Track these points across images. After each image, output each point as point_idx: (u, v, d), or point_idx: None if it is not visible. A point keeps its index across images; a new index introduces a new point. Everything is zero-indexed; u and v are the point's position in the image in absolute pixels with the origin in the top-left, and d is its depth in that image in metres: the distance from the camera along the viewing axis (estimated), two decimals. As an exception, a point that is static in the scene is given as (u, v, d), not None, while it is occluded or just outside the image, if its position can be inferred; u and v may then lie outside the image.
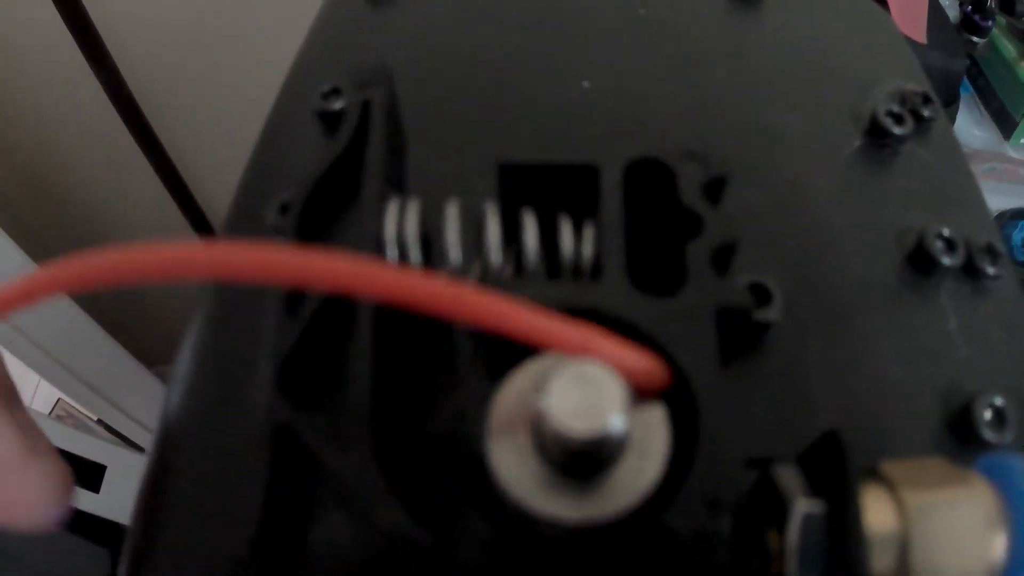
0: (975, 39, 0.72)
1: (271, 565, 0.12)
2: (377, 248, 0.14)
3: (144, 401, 0.89)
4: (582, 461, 0.11)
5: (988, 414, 0.18)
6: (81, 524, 0.77)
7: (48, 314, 0.74)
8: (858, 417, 0.17)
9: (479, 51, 0.25)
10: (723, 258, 0.13)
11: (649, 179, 0.15)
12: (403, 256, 0.14)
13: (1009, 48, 0.79)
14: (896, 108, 0.23)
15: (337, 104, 0.22)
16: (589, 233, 0.14)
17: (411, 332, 0.14)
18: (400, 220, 0.14)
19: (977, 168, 0.77)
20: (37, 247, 0.73)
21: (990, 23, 0.72)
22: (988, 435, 0.18)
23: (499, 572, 0.12)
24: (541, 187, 0.15)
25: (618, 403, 0.10)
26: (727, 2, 0.27)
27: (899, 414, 0.18)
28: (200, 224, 0.89)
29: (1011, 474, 0.13)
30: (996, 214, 0.70)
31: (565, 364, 0.10)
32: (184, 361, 0.19)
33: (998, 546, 0.13)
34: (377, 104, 0.17)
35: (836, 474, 0.11)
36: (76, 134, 0.81)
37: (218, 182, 0.88)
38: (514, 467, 0.11)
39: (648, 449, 0.11)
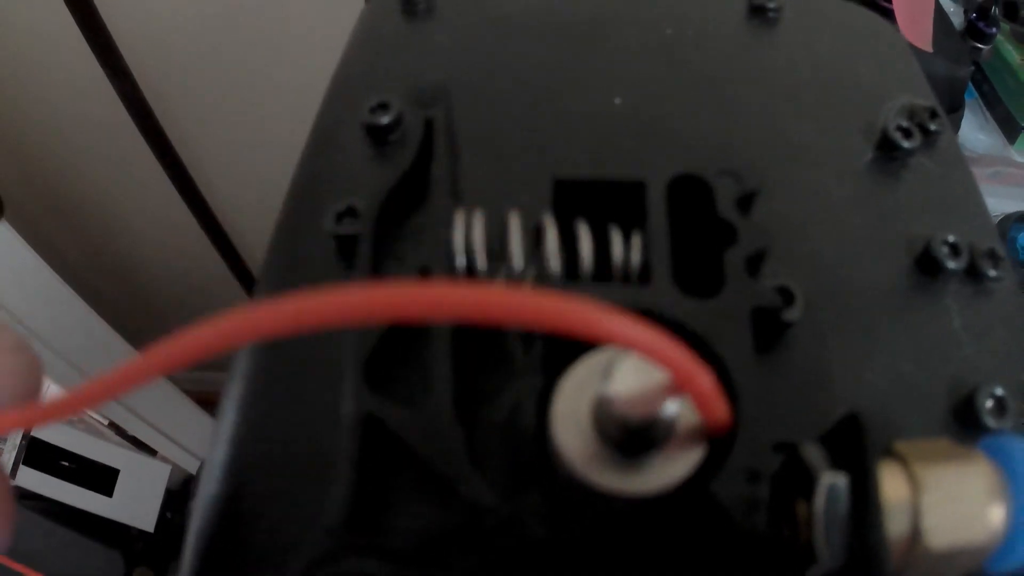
0: (979, 46, 0.73)
1: (361, 536, 0.14)
2: (446, 254, 0.16)
3: (158, 406, 0.90)
4: (639, 440, 0.13)
5: (989, 403, 0.20)
6: (94, 527, 0.79)
7: (64, 319, 0.76)
8: (872, 406, 0.19)
9: (514, 67, 0.27)
10: (755, 263, 0.15)
11: (689, 193, 0.16)
12: (470, 262, 0.16)
13: (1013, 54, 0.80)
14: (905, 123, 0.25)
15: (384, 118, 0.24)
16: (637, 242, 0.16)
17: (478, 331, 0.16)
18: (467, 230, 0.16)
19: (981, 172, 0.78)
20: (50, 251, 0.75)
21: (994, 30, 0.74)
22: (990, 422, 0.20)
23: (557, 543, 0.14)
24: (591, 200, 0.17)
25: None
26: (747, 22, 0.29)
27: (909, 403, 0.20)
28: (212, 228, 0.90)
29: (1011, 453, 0.15)
30: (1001, 217, 0.71)
31: (627, 355, 0.12)
32: (253, 362, 0.20)
33: (998, 515, 0.14)
34: (440, 122, 0.19)
35: (856, 450, 0.13)
36: (89, 139, 0.82)
37: (229, 186, 0.89)
38: (577, 447, 0.13)
39: (696, 430, 0.13)
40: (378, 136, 0.24)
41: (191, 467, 0.93)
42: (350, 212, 0.20)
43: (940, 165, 0.26)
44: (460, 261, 0.16)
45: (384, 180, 0.18)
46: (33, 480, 0.76)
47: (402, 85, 0.27)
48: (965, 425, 0.20)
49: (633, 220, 0.17)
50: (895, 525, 0.13)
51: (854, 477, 0.13)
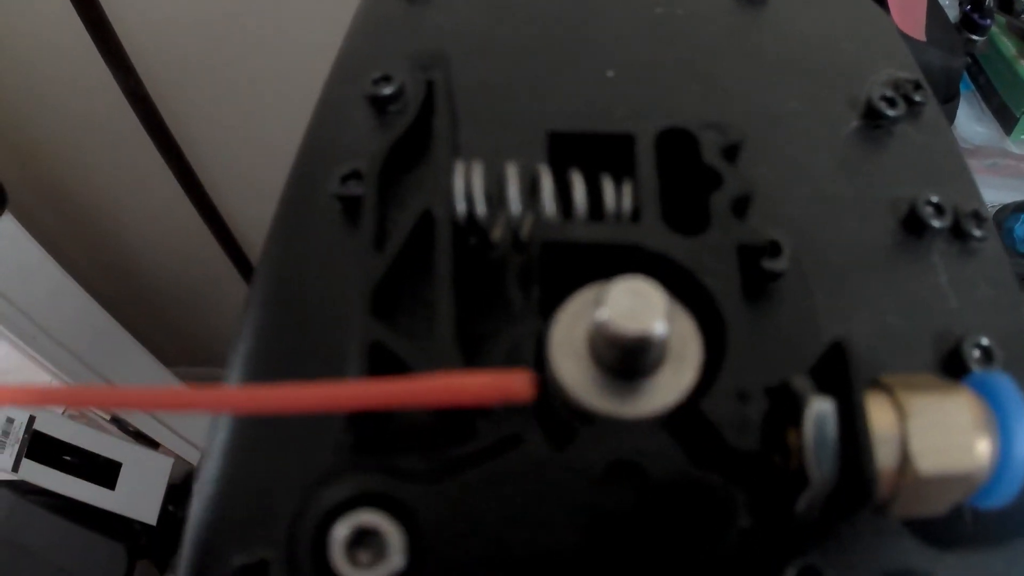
0: (974, 37, 0.74)
1: (368, 456, 0.15)
2: (447, 200, 0.17)
3: None
4: (633, 361, 0.13)
5: (976, 352, 0.20)
6: (97, 521, 0.79)
7: (68, 312, 0.77)
8: (864, 358, 0.20)
9: (509, 43, 0.28)
10: (740, 207, 0.16)
11: (675, 145, 0.17)
12: (470, 207, 0.17)
13: (1009, 46, 0.81)
14: (889, 93, 0.26)
15: (387, 89, 0.25)
16: (627, 189, 0.17)
17: (474, 272, 0.17)
18: (468, 177, 0.17)
19: (979, 164, 0.79)
20: (54, 245, 0.76)
21: (989, 22, 0.75)
22: (977, 370, 0.20)
23: (557, 464, 0.14)
24: (582, 152, 0.18)
25: (661, 309, 0.13)
26: (735, 1, 0.30)
27: (897, 354, 0.21)
28: (215, 223, 0.91)
29: (996, 389, 0.16)
30: (998, 208, 0.72)
31: (618, 280, 0.13)
32: (264, 297, 0.21)
33: (984, 446, 0.15)
34: (440, 83, 0.19)
35: (843, 378, 0.14)
36: (93, 134, 0.83)
37: (232, 182, 0.90)
38: (575, 375, 0.14)
39: (685, 357, 0.14)
40: (381, 106, 0.25)
41: (194, 460, 0.94)
42: (354, 175, 0.21)
43: (924, 133, 0.26)
44: (460, 207, 0.17)
45: (386, 137, 0.19)
46: (36, 474, 0.76)
47: (401, 61, 0.27)
48: (953, 375, 0.21)
49: (623, 171, 0.17)
50: (883, 450, 0.14)
51: (842, 404, 0.14)
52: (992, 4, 0.76)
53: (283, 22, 0.72)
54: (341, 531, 0.13)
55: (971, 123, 0.79)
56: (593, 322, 0.13)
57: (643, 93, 0.25)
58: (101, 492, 0.79)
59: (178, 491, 0.84)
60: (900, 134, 0.26)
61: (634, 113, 0.23)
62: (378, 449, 0.14)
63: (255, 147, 0.82)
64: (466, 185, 0.17)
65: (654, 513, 0.13)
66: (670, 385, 0.14)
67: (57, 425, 0.79)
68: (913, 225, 0.23)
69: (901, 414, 0.14)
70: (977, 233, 0.23)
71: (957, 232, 0.23)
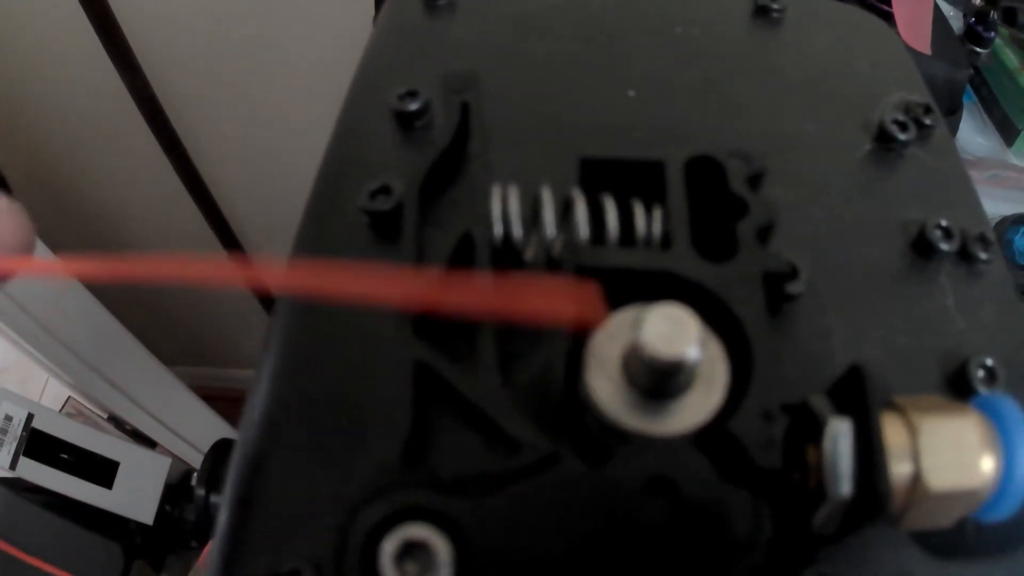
0: (978, 50, 0.75)
1: (412, 470, 0.15)
2: (484, 223, 0.18)
3: (160, 397, 0.91)
4: (666, 382, 0.14)
5: (981, 372, 0.21)
6: (94, 519, 0.79)
7: (72, 311, 0.77)
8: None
9: (531, 60, 0.29)
10: (764, 235, 0.17)
11: (703, 173, 0.18)
12: (507, 230, 0.18)
13: (1012, 58, 0.82)
14: (901, 117, 0.27)
15: (413, 105, 0.25)
16: (658, 214, 0.17)
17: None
18: (504, 200, 0.18)
19: (980, 175, 0.80)
20: (55, 240, 0.76)
21: (992, 34, 0.76)
22: (981, 390, 0.21)
23: (592, 480, 0.15)
24: (615, 179, 0.19)
25: (696, 336, 0.13)
26: (752, 22, 0.31)
27: (905, 373, 0.22)
28: (217, 221, 0.91)
29: (1001, 410, 0.17)
30: (998, 220, 0.73)
31: (654, 307, 0.14)
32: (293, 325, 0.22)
33: (990, 464, 0.16)
34: (475, 104, 0.20)
35: (860, 399, 0.15)
36: (98, 132, 0.83)
37: (235, 181, 0.90)
38: (609, 394, 0.15)
39: (713, 379, 0.15)
40: (406, 122, 0.25)
41: (192, 460, 0.94)
42: (384, 190, 0.22)
43: (934, 157, 0.27)
44: (498, 228, 0.17)
45: (424, 157, 0.20)
46: (33, 472, 0.76)
47: (426, 75, 0.28)
48: (958, 394, 0.22)
49: (653, 197, 0.18)
50: (897, 467, 0.15)
51: (858, 424, 0.15)
52: (996, 17, 0.77)
53: (290, 24, 0.73)
54: (391, 544, 0.13)
55: (973, 134, 0.80)
56: (631, 344, 0.14)
57: (663, 113, 0.26)
58: (98, 491, 0.79)
59: (175, 491, 0.84)
60: (911, 157, 0.27)
61: (656, 134, 0.24)
62: (423, 464, 0.15)
63: (259, 148, 0.83)
64: (503, 208, 0.17)
65: (687, 527, 0.14)
66: (699, 405, 0.15)
67: (55, 423, 0.80)
68: (922, 248, 0.24)
69: (913, 433, 0.15)
70: (983, 256, 0.24)
71: (964, 255, 0.24)
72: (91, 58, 0.71)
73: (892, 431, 0.15)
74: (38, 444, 0.78)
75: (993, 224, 0.72)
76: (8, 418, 0.77)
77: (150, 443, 0.93)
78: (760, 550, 0.14)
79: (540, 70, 0.28)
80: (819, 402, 0.15)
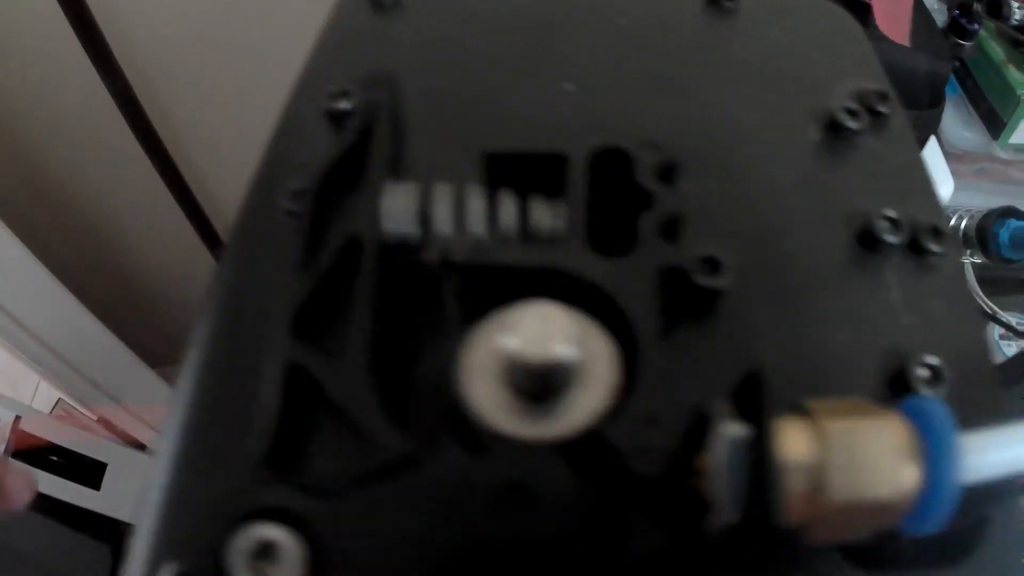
0: (962, 42, 0.74)
1: (279, 474, 0.14)
2: (375, 225, 0.17)
3: (147, 400, 0.90)
4: (540, 385, 0.13)
5: (923, 372, 0.20)
6: (82, 521, 0.79)
7: (53, 313, 0.76)
8: (804, 377, 0.20)
9: (473, 58, 0.28)
10: (672, 228, 0.16)
11: (612, 165, 0.17)
12: (401, 229, 0.17)
13: (997, 51, 0.81)
14: (853, 105, 0.26)
15: (344, 104, 0.25)
16: (560, 210, 0.16)
17: (405, 292, 0.16)
18: (399, 200, 0.17)
19: (967, 169, 0.79)
20: (39, 246, 0.76)
21: (976, 26, 0.74)
22: (924, 390, 0.20)
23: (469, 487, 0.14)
24: (521, 173, 0.18)
25: (567, 334, 0.12)
26: (704, 13, 0.30)
27: (843, 374, 0.20)
28: (200, 224, 0.91)
29: (929, 415, 0.16)
30: (984, 213, 0.71)
31: (525, 305, 0.13)
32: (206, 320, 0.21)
33: (908, 474, 0.15)
34: (383, 105, 0.19)
35: (756, 404, 0.13)
36: (80, 135, 0.83)
37: (217, 180, 0.90)
38: (485, 396, 0.14)
39: (598, 380, 0.14)
40: (338, 121, 0.25)
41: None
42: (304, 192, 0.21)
43: (889, 146, 0.26)
44: (389, 227, 0.16)
45: (326, 160, 0.19)
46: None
47: (365, 75, 0.27)
48: (900, 395, 0.20)
49: (559, 191, 0.17)
50: (795, 477, 0.14)
51: (756, 430, 0.14)
52: (981, 9, 0.76)
53: (273, 26, 0.72)
54: (242, 543, 0.13)
55: (959, 128, 0.78)
56: (499, 347, 0.13)
57: (600, 106, 0.25)
58: (86, 493, 0.79)
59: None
60: (863, 147, 0.26)
61: (580, 126, 0.23)
62: (295, 466, 0.14)
63: (241, 150, 0.82)
64: (396, 207, 0.16)
65: (542, 537, 0.13)
66: (582, 408, 0.14)
67: (43, 425, 0.80)
68: (868, 240, 0.23)
69: (821, 441, 0.14)
70: (935, 249, 0.23)
71: (914, 248, 0.23)
72: (72, 60, 0.71)
73: (794, 437, 0.14)
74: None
75: (979, 218, 0.70)
76: (-5, 420, 0.77)
77: (140, 445, 0.92)
78: (642, 562, 0.13)
79: (479, 68, 0.27)
80: (714, 407, 0.14)
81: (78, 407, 0.90)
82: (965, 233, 0.71)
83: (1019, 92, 0.76)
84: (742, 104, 0.26)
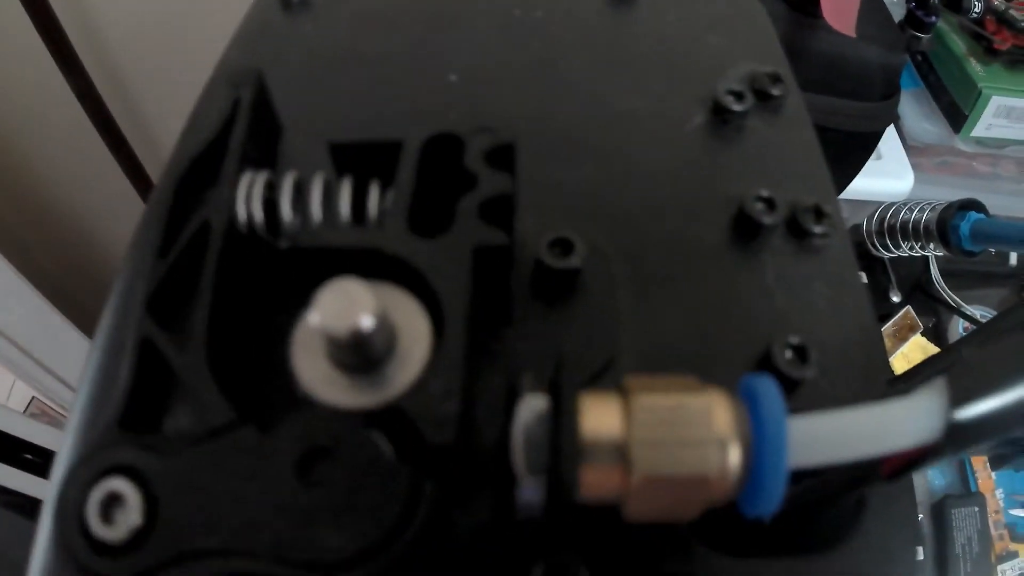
0: (919, 35, 0.74)
1: (135, 430, 0.15)
2: (223, 213, 0.17)
3: None
4: (351, 356, 0.13)
5: (788, 353, 0.20)
6: None
7: (23, 312, 0.77)
8: (666, 361, 0.20)
9: (364, 52, 0.28)
10: (495, 210, 0.16)
11: (447, 151, 0.17)
12: (250, 216, 0.17)
13: (959, 44, 0.81)
14: (737, 87, 0.26)
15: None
16: (391, 194, 0.16)
17: (259, 275, 0.17)
18: (249, 189, 0.17)
19: (928, 162, 0.79)
20: (9, 247, 0.76)
21: (934, 19, 0.74)
22: (791, 372, 0.20)
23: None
24: (364, 161, 0.18)
25: (367, 307, 0.13)
26: (607, 4, 0.30)
27: (711, 358, 0.20)
28: None
29: (756, 390, 0.15)
30: (944, 205, 0.71)
31: (330, 283, 0.13)
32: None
33: (722, 453, 0.14)
34: (244, 101, 0.19)
35: (554, 380, 0.13)
36: (48, 135, 0.83)
37: None
38: (310, 369, 0.14)
39: (413, 356, 0.14)
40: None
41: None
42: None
43: (778, 129, 0.26)
44: (240, 213, 0.17)
45: (186, 154, 0.19)
46: None
47: (269, 72, 0.27)
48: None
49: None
50: (595, 452, 0.13)
51: (555, 406, 0.13)
52: (937, 2, 0.76)
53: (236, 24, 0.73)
54: (96, 494, 0.14)
55: (920, 121, 0.78)
56: (306, 324, 0.13)
57: (479, 96, 0.25)
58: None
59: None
60: (750, 130, 0.26)
61: (466, 115, 0.23)
62: (143, 427, 0.15)
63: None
64: (243, 195, 0.17)
65: (340, 499, 0.13)
66: (399, 382, 0.14)
67: (18, 423, 0.80)
68: (743, 223, 0.23)
69: (626, 415, 0.14)
70: (817, 230, 0.23)
71: (794, 229, 0.23)
72: (35, 59, 0.71)
73: (599, 412, 0.14)
74: (1, 444, 0.78)
75: (940, 210, 0.70)
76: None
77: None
78: (424, 530, 0.13)
79: (371, 60, 0.27)
80: (524, 380, 0.14)
81: (52, 404, 0.90)
82: (926, 226, 0.71)
83: (980, 85, 0.76)
84: (628, 91, 0.26)
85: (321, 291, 0.13)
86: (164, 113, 0.84)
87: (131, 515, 0.14)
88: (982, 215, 0.70)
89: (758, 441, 0.15)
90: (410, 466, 0.13)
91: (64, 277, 0.97)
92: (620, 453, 0.14)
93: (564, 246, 0.18)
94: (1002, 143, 0.79)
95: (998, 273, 0.82)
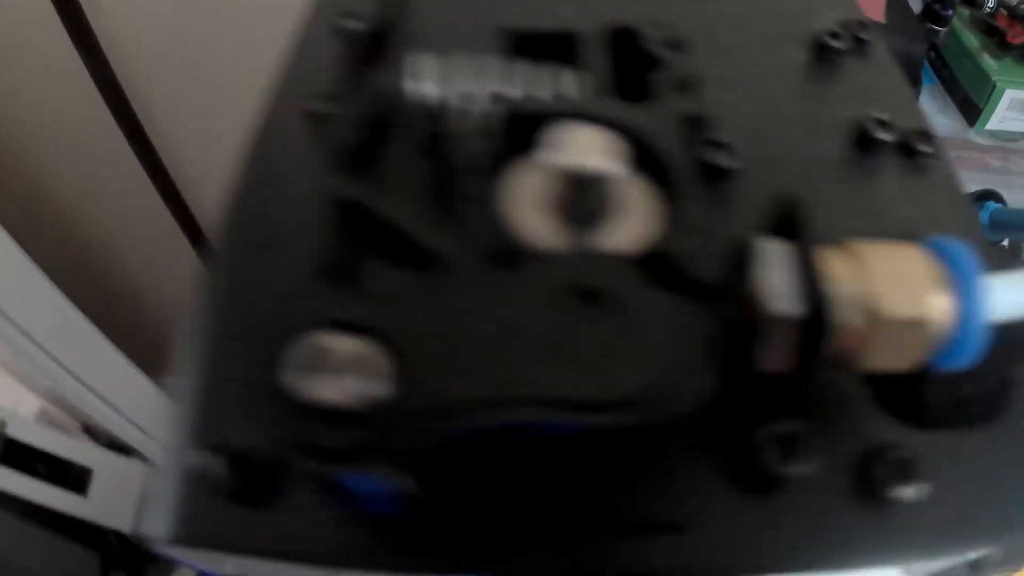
0: (936, 28, 0.76)
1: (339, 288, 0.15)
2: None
3: (137, 403, 0.89)
4: (587, 202, 0.14)
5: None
6: (69, 528, 0.77)
7: (44, 314, 0.76)
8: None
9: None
10: (685, 88, 0.17)
11: (622, 47, 0.18)
12: (425, 92, 0.17)
13: (972, 39, 0.83)
14: (836, 28, 0.27)
15: (352, 24, 0.25)
16: (571, 77, 0.17)
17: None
18: (420, 68, 0.17)
19: (946, 153, 0.81)
20: (21, 237, 0.75)
21: (950, 12, 0.77)
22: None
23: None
24: (536, 50, 0.19)
25: (608, 150, 0.13)
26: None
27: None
28: (184, 218, 0.91)
29: (952, 251, 0.16)
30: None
31: (569, 128, 0.14)
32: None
33: (941, 299, 0.15)
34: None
35: (794, 234, 0.14)
36: (62, 127, 0.81)
37: (203, 174, 0.88)
38: (534, 224, 0.14)
39: (638, 210, 0.15)
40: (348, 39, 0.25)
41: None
42: (331, 97, 0.22)
43: (871, 67, 0.27)
44: (429, 90, 0.17)
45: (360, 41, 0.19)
46: (7, 480, 0.74)
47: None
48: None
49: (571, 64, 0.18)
50: (844, 290, 0.14)
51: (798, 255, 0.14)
52: (954, -3, 0.78)
53: (262, 16, 0.72)
54: (297, 347, 0.13)
55: (935, 115, 0.81)
56: (549, 162, 0.14)
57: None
58: (73, 499, 0.77)
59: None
60: (847, 67, 0.27)
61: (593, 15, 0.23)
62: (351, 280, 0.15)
63: (228, 145, 0.82)
64: (419, 75, 0.17)
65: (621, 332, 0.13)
66: (626, 234, 0.14)
67: (29, 431, 0.78)
68: (863, 141, 0.24)
69: (860, 262, 0.15)
70: (925, 149, 0.24)
71: (905, 150, 0.24)
72: (57, 50, 0.71)
73: (837, 261, 0.14)
74: (12, 452, 0.76)
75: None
76: (-20, 427, 0.75)
77: (125, 452, 0.90)
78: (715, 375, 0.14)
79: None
80: (751, 236, 0.14)
81: (62, 414, 0.89)
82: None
83: (994, 79, 0.79)
84: (734, 31, 0.27)
85: (560, 135, 0.14)
86: (183, 104, 0.82)
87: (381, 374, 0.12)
88: (1000, 204, 0.72)
89: (961, 291, 0.16)
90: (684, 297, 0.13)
91: (74, 269, 0.95)
92: (863, 299, 0.14)
93: (721, 145, 0.19)
94: (1016, 136, 0.81)
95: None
